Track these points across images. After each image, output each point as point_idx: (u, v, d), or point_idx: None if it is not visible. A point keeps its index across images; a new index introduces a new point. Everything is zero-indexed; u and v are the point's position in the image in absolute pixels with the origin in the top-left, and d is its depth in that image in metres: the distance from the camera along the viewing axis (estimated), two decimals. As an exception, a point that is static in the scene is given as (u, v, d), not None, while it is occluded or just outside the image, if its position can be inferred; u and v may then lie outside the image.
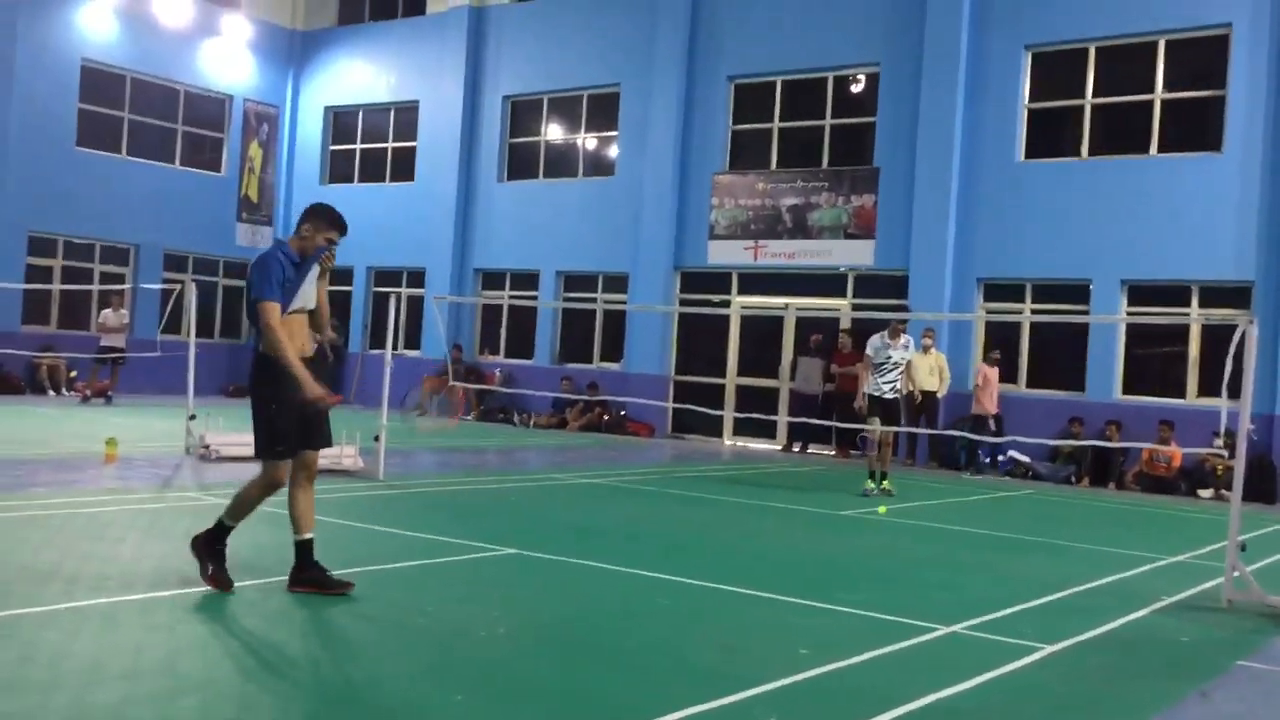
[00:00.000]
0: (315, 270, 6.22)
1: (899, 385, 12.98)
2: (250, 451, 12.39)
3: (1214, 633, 6.76)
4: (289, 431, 6.06)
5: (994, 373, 17.07)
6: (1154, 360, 17.22)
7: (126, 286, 22.50)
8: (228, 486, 10.36)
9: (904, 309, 17.96)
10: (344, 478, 11.55)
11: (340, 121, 26.67)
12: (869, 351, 12.97)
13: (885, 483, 12.93)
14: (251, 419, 6.17)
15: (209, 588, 6.06)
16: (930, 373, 17.07)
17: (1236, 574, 7.48)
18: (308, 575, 6.19)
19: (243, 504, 6.23)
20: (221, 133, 25.84)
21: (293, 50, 26.83)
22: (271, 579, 6.54)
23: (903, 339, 12.97)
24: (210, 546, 6.19)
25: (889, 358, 12.83)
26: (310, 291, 6.23)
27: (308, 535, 6.22)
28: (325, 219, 6.28)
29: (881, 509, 11.76)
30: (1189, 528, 11.96)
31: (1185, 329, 16.45)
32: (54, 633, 5.18)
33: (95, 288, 22.61)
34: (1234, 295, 16.22)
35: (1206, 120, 16.80)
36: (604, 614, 6.33)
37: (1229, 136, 16.28)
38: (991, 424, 16.74)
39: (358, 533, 8.35)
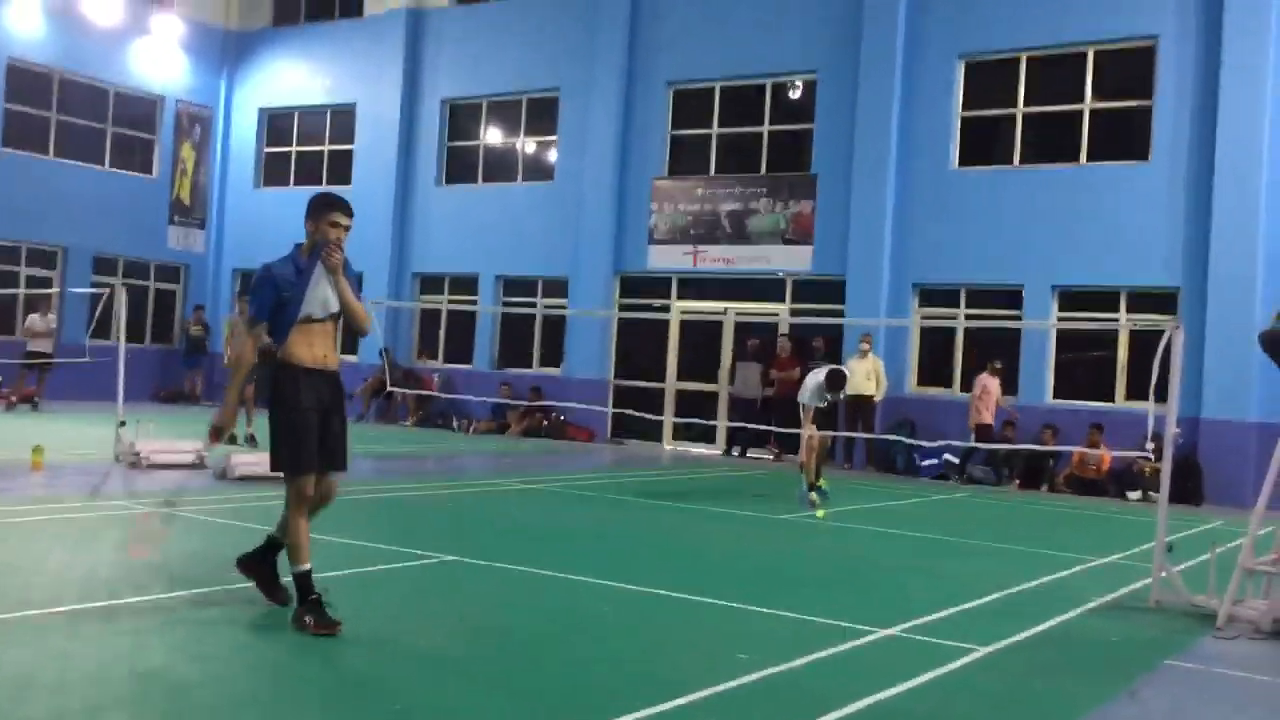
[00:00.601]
0: (319, 271, 5.82)
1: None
2: (185, 459, 12.30)
3: (1143, 632, 6.90)
4: (295, 446, 5.69)
5: (995, 383, 16.56)
6: (1084, 364, 17.55)
7: (54, 290, 22.03)
8: (158, 495, 10.19)
9: (840, 314, 18.13)
10: (278, 484, 11.37)
11: (275, 123, 26.33)
12: (805, 399, 12.71)
13: (821, 481, 12.92)
14: (270, 432, 5.82)
15: (319, 633, 5.46)
16: (867, 377, 17.26)
17: (1164, 575, 7.64)
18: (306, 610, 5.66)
19: (298, 537, 5.70)
20: (153, 134, 25.40)
21: (226, 50, 26.45)
22: (203, 589, 6.44)
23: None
24: (306, 599, 5.58)
25: (825, 399, 12.76)
26: (324, 295, 5.81)
27: (307, 566, 5.70)
28: (318, 206, 5.94)
29: (820, 513, 11.84)
30: (1118, 529, 12.20)
31: (1115, 334, 16.79)
32: (-22, 647, 5.05)
33: (21, 291, 22.10)
34: (1161, 301, 16.59)
35: (1134, 129, 17.17)
36: (544, 621, 6.31)
37: (1156, 145, 16.66)
38: (973, 436, 16.37)
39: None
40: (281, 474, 5.80)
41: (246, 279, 25.98)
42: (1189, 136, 16.37)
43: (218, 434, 5.96)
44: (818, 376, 12.72)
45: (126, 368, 13.46)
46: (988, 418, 16.42)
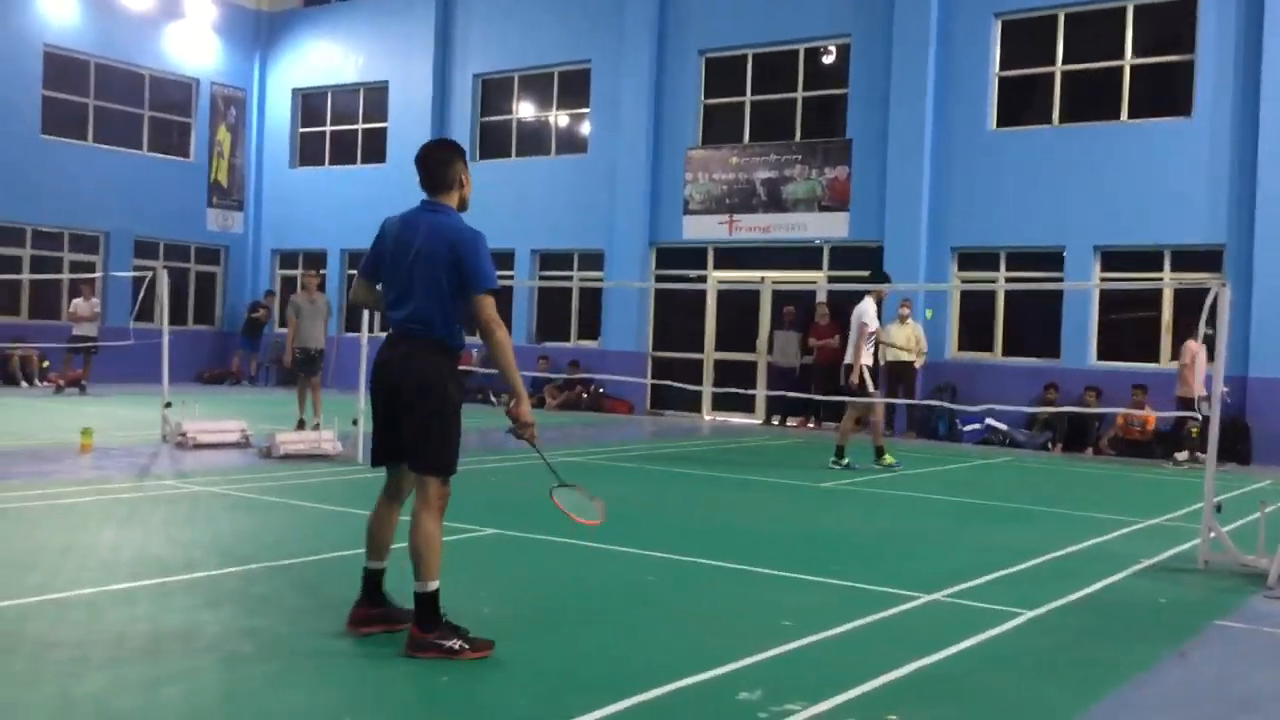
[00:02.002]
0: None
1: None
2: (231, 438, 12.45)
3: (1191, 594, 6.84)
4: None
5: (1203, 351, 14.35)
6: (1128, 325, 17.33)
7: (97, 275, 22.30)
8: (205, 474, 10.33)
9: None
10: (323, 462, 11.52)
11: (309, 103, 26.43)
12: (865, 320, 12.62)
13: (846, 459, 12.84)
14: (420, 426, 4.95)
15: (473, 658, 4.87)
16: (906, 343, 17.14)
17: (1212, 535, 7.56)
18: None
19: (434, 550, 4.92)
20: (189, 117, 25.58)
21: (259, 32, 26.55)
22: (252, 565, 6.53)
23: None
24: (437, 624, 4.90)
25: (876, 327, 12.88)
26: None
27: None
28: (463, 153, 5.29)
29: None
30: (1164, 491, 12.08)
31: (1159, 294, 16.57)
32: (36, 624, 5.16)
33: (65, 277, 22.40)
34: (1206, 259, 16.33)
35: (1175, 85, 16.86)
36: (588, 592, 6.34)
37: (1198, 100, 16.35)
38: (1203, 407, 14.00)
39: (337, 517, 8.33)
40: (442, 477, 5.01)
41: (285, 259, 26.21)
42: (1232, 91, 16.05)
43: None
44: (866, 307, 12.72)
45: (170, 350, 13.63)
46: (1199, 388, 14.14)
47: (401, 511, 5.24)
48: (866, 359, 12.79)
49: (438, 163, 5.13)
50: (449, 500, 5.04)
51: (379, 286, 5.22)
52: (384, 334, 5.12)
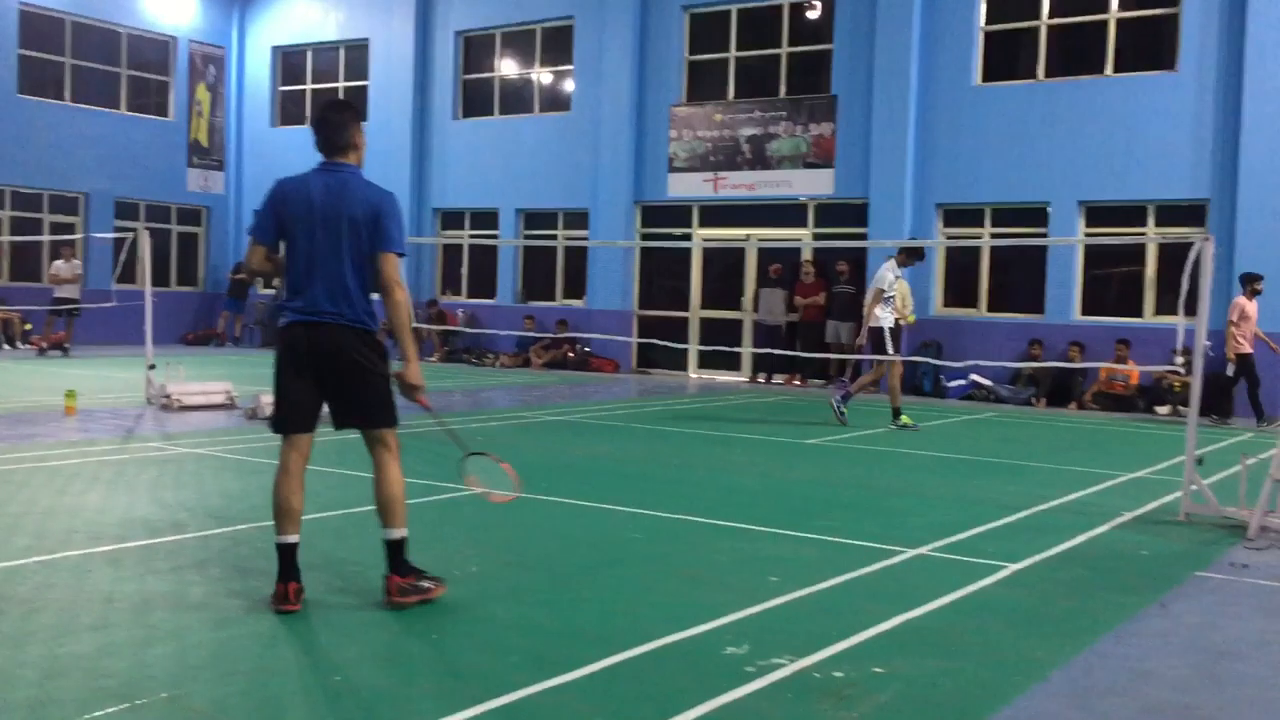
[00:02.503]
0: None
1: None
2: (216, 400, 12.42)
3: (1172, 545, 6.91)
4: None
5: (1253, 307, 14.28)
6: (1112, 280, 17.39)
7: (78, 236, 22.14)
8: (191, 436, 10.31)
9: (864, 237, 18.01)
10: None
11: (289, 62, 26.15)
12: (883, 286, 12.72)
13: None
14: (366, 387, 5.03)
15: (441, 593, 5.12)
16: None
17: (1194, 488, 7.63)
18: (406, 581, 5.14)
19: (400, 499, 5.09)
20: (167, 76, 25.29)
21: (237, -11, 26.21)
22: (239, 526, 6.54)
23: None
24: (410, 569, 5.09)
25: (895, 291, 12.93)
26: None
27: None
28: (360, 116, 5.29)
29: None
30: (1147, 444, 12.18)
31: (1142, 248, 16.61)
32: (23, 586, 5.16)
33: (46, 238, 22.23)
34: (1189, 214, 16.37)
35: (1161, 39, 16.81)
36: (575, 549, 6.37)
37: (1183, 55, 16.31)
38: (1229, 368, 14.25)
39: (322, 477, 8.33)
40: (392, 424, 5.14)
41: (267, 220, 25.97)
42: (1217, 45, 16.02)
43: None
44: (882, 270, 12.83)
45: (153, 311, 13.55)
46: (1247, 345, 14.19)
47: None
48: (886, 321, 12.77)
49: (337, 125, 5.10)
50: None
51: (280, 254, 5.13)
52: (291, 298, 5.02)
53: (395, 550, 5.06)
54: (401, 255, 5.06)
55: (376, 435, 5.11)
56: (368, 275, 5.01)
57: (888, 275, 12.85)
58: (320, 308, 4.96)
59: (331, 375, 5.01)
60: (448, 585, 5.18)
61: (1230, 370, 14.32)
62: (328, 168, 5.10)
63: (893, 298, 12.88)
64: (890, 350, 12.86)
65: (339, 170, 5.08)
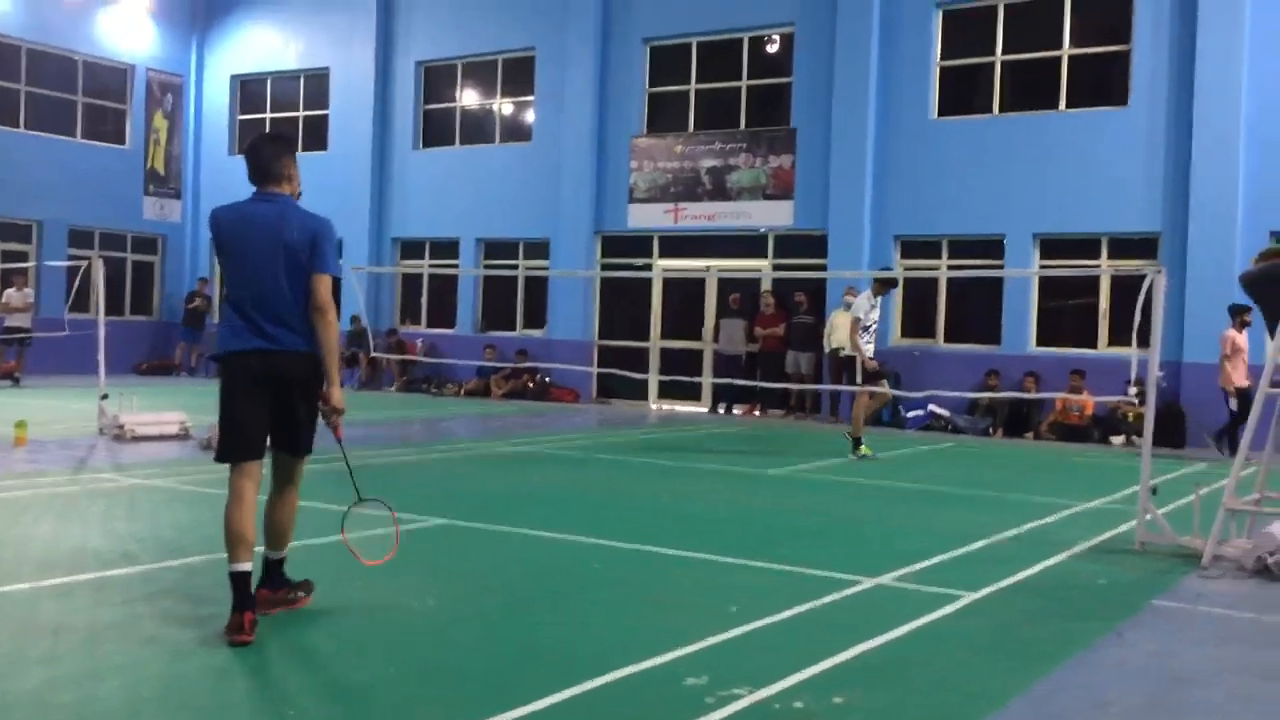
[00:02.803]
0: None
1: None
2: (170, 430, 12.26)
3: (1128, 574, 6.97)
4: None
5: (1244, 339, 13.95)
6: (1066, 312, 17.61)
7: (30, 265, 21.83)
8: (144, 467, 10.17)
9: (823, 268, 18.13)
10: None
11: (248, 90, 26.04)
12: (858, 314, 12.80)
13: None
14: (308, 413, 5.20)
15: (308, 602, 5.41)
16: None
17: (1149, 517, 7.71)
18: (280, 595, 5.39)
19: (292, 522, 5.38)
20: (124, 104, 25.09)
21: (195, 17, 26.10)
22: (192, 558, 6.44)
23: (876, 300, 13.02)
24: (285, 583, 5.37)
25: (874, 320, 12.95)
26: None
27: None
28: (292, 148, 5.45)
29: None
30: (1102, 474, 12.29)
31: (1096, 280, 16.84)
32: (-32, 621, 5.05)
33: (-3, 267, 21.90)
34: (1142, 246, 16.63)
35: (1113, 75, 17.13)
36: (535, 580, 6.33)
37: (1135, 90, 16.63)
38: (1232, 403, 13.90)
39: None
40: (308, 451, 5.31)
41: (225, 248, 25.77)
42: (1167, 80, 16.34)
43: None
44: (858, 301, 12.94)
45: (107, 341, 13.37)
46: (1243, 379, 13.72)
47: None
48: (866, 350, 12.82)
49: (270, 156, 5.24)
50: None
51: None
52: (235, 326, 5.11)
53: (276, 567, 5.34)
54: (336, 278, 5.21)
55: (295, 461, 5.29)
56: (302, 300, 5.10)
57: (863, 304, 12.93)
58: (269, 334, 5.05)
59: (283, 400, 5.13)
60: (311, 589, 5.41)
61: (1233, 405, 13.96)
62: (263, 197, 5.23)
63: (870, 327, 12.93)
64: (859, 380, 12.94)
65: (274, 200, 5.20)
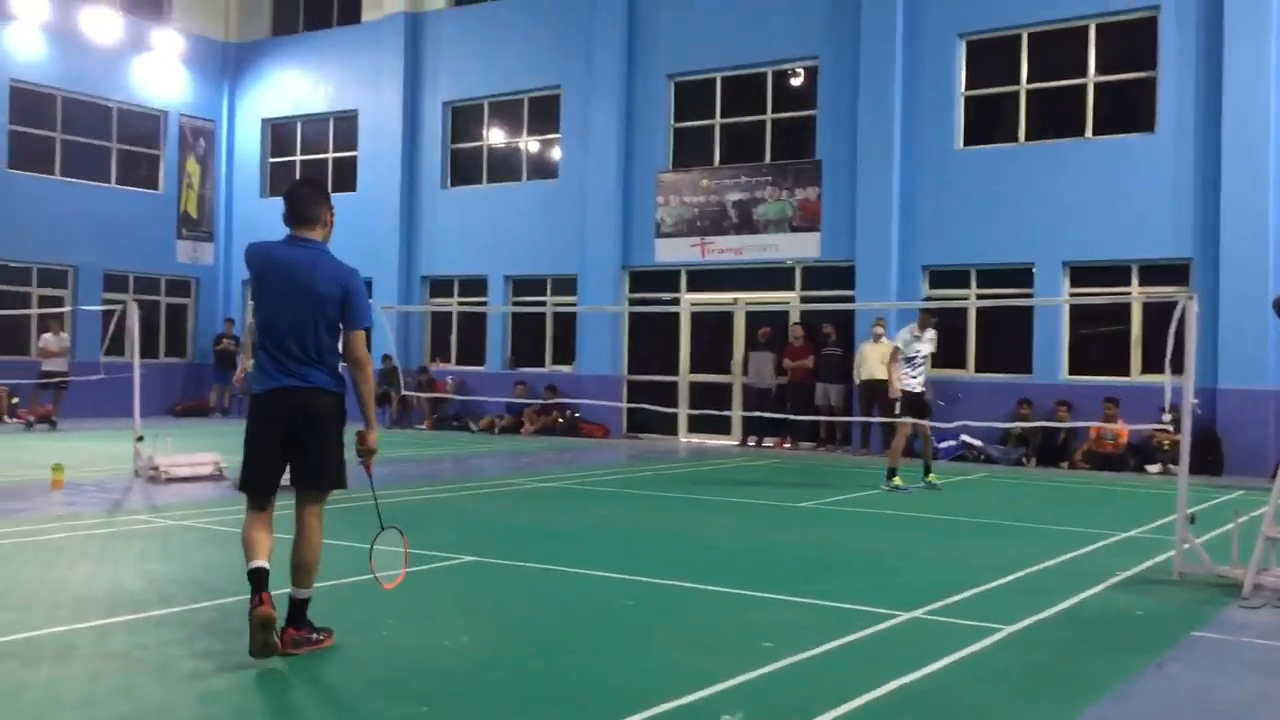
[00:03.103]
0: None
1: (919, 377, 13.00)
2: (204, 471, 12.35)
3: (1167, 605, 6.87)
4: None
5: None
6: (1098, 340, 17.48)
7: (66, 309, 22.12)
8: (178, 508, 10.24)
9: (851, 299, 18.10)
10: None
11: (278, 133, 26.40)
12: (899, 344, 12.95)
13: (931, 475, 13.00)
14: (327, 447, 5.37)
15: (330, 644, 5.41)
16: (881, 362, 17.18)
17: (1187, 546, 7.61)
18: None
19: (319, 563, 5.43)
20: (157, 149, 25.47)
21: (226, 63, 26.52)
22: (227, 599, 6.47)
23: (929, 331, 12.99)
24: (306, 623, 5.38)
25: (918, 351, 12.90)
26: None
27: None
28: (328, 194, 5.64)
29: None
30: (1138, 503, 12.16)
31: (1127, 308, 16.72)
32: (8, 663, 5.09)
33: (34, 312, 22.20)
34: (1173, 273, 16.51)
35: (1139, 101, 17.08)
36: (567, 617, 6.31)
37: (1161, 116, 16.57)
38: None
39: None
40: (334, 487, 5.46)
41: (257, 290, 26.05)
42: (1194, 106, 16.27)
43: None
44: (902, 332, 13.02)
45: (141, 383, 13.52)
46: None
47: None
48: (905, 381, 12.85)
49: (308, 201, 5.45)
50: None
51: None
52: (269, 365, 5.34)
53: (299, 608, 5.35)
54: (369, 328, 5.43)
55: (319, 496, 5.41)
56: (334, 342, 5.34)
57: (905, 335, 12.99)
58: (295, 373, 5.28)
59: (301, 434, 5.31)
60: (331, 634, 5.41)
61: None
62: (297, 241, 5.42)
63: (913, 358, 12.89)
64: (897, 411, 12.92)
65: (309, 246, 5.40)
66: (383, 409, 22.02)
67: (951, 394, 17.40)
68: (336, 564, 7.51)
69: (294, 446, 5.31)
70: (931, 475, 13.12)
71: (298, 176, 25.71)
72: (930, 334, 12.99)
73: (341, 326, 5.35)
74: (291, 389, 5.25)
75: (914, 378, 12.89)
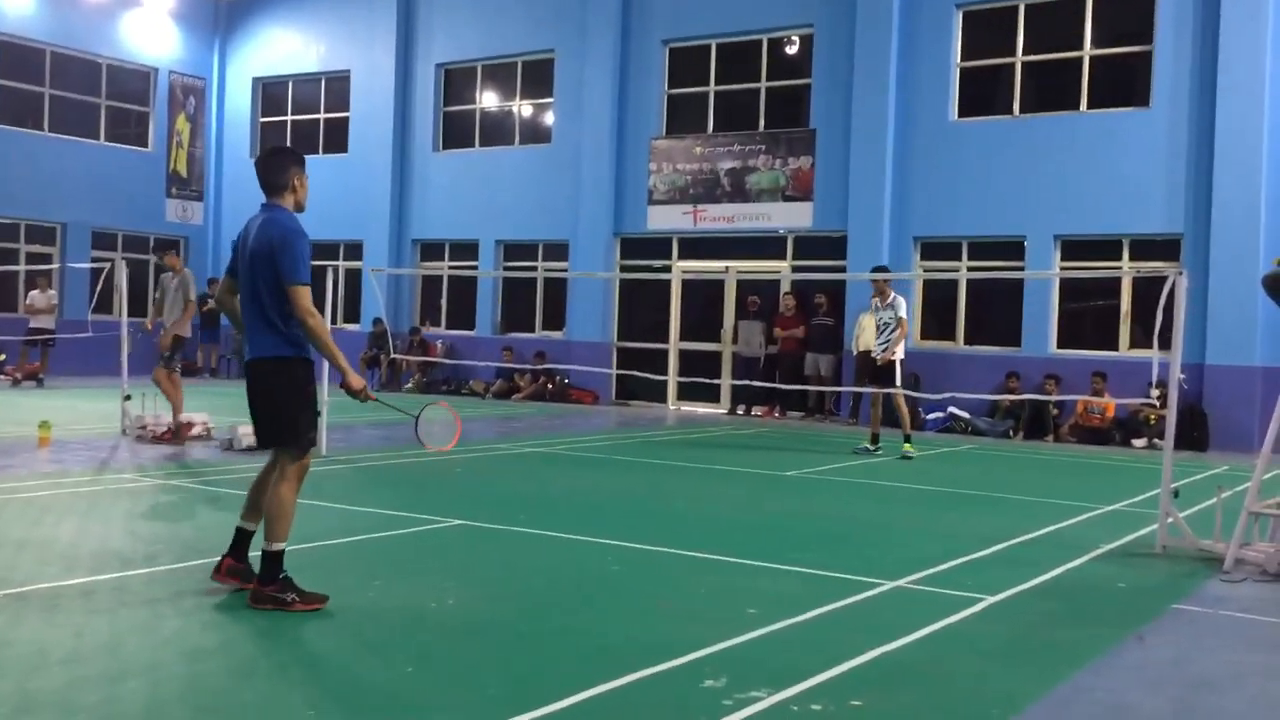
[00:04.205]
0: None
1: (885, 346, 13.16)
2: (192, 431, 12.31)
3: (1149, 578, 6.93)
4: (314, 419, 5.62)
5: None
6: (1087, 314, 17.52)
7: (54, 266, 22.00)
8: (166, 467, 10.24)
9: (842, 269, 18.10)
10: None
11: (269, 93, 26.19)
12: (903, 314, 13.26)
13: (906, 445, 13.14)
14: (274, 406, 5.48)
15: (306, 610, 5.33)
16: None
17: (1170, 520, 7.67)
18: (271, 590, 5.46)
19: (286, 513, 5.44)
20: (147, 106, 25.27)
21: (218, 20, 26.27)
22: (213, 558, 6.47)
23: (889, 297, 13.18)
24: (275, 579, 5.36)
25: (879, 320, 13.22)
26: None
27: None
28: (300, 160, 5.68)
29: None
30: (1124, 477, 12.23)
31: (1117, 282, 16.75)
32: (-7, 620, 5.10)
33: (21, 268, 22.08)
34: (1164, 248, 16.53)
35: (1134, 75, 17.04)
36: (553, 582, 6.34)
37: (1156, 91, 16.53)
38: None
39: (301, 509, 8.26)
40: (288, 447, 5.51)
41: (246, 250, 25.96)
42: (1189, 81, 16.24)
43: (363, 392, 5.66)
44: (902, 302, 13.28)
45: (129, 342, 13.46)
46: None
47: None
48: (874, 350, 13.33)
49: (271, 168, 5.59)
50: (304, 471, 5.59)
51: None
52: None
53: (265, 561, 5.40)
54: (304, 284, 5.35)
55: (279, 454, 5.56)
56: (275, 301, 5.39)
57: (903, 304, 13.30)
58: (250, 342, 5.54)
59: (251, 401, 5.61)
60: (328, 602, 5.42)
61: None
62: (262, 208, 5.59)
63: (879, 326, 13.32)
64: (898, 381, 13.26)
65: (268, 210, 5.54)
66: (372, 371, 21.99)
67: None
68: (324, 524, 7.53)
69: (251, 410, 5.65)
70: (907, 445, 13.16)
71: (289, 136, 25.55)
72: (891, 300, 13.15)
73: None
74: (249, 360, 5.54)
75: (880, 345, 13.17)
